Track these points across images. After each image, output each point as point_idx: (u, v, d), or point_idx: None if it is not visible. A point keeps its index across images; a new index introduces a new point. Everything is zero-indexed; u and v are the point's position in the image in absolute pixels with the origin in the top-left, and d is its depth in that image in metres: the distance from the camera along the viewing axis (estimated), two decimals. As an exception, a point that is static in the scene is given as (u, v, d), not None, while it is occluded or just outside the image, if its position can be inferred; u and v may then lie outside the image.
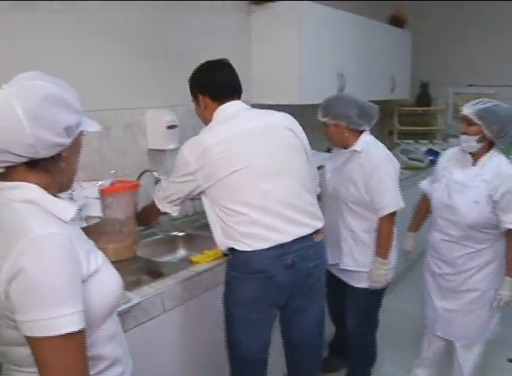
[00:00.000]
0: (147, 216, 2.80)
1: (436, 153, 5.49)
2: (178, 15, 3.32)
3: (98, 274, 1.35)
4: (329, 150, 4.71)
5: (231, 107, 2.43)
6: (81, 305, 1.23)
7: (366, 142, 3.00)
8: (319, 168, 3.75)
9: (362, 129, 3.01)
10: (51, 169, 1.34)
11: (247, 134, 2.33)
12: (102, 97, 2.86)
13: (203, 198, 2.38)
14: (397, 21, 5.60)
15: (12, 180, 1.31)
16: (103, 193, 2.53)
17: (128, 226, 2.68)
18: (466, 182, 2.86)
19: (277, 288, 2.32)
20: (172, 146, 3.13)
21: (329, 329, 3.54)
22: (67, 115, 1.31)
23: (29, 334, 1.18)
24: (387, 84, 5.29)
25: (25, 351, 1.23)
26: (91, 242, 1.46)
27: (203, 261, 2.60)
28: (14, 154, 1.26)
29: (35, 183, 1.31)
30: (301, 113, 4.16)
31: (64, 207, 1.35)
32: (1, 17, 2.37)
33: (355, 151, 2.98)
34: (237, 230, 2.28)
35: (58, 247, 1.22)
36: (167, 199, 2.48)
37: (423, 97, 6.36)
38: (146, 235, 3.05)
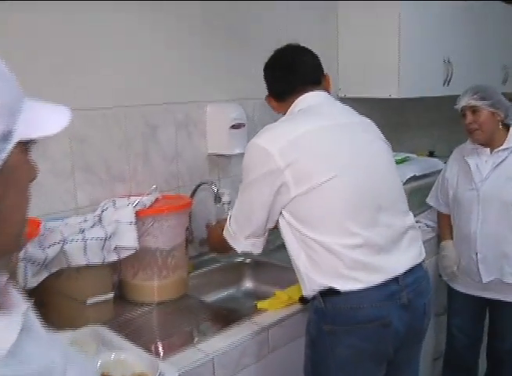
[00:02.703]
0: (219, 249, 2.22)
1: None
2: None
3: None
4: (431, 154, 3.99)
5: (311, 99, 1.87)
6: None
7: None
8: (423, 176, 3.11)
9: (509, 124, 2.69)
10: None
11: (349, 128, 1.84)
12: (148, 88, 2.27)
13: (282, 220, 1.75)
14: (511, -1, 4.73)
15: None
16: (141, 216, 1.93)
17: (175, 258, 2.05)
18: None
19: (393, 337, 1.73)
20: (238, 151, 2.48)
21: None
22: None
23: None
24: (499, 74, 4.43)
25: None
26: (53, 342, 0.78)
27: (273, 308, 1.94)
28: None
29: None
30: (397, 108, 3.52)
31: None
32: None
33: None
34: (342, 259, 1.65)
35: None
36: (244, 233, 1.82)
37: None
38: (201, 262, 2.45)
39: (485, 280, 2.64)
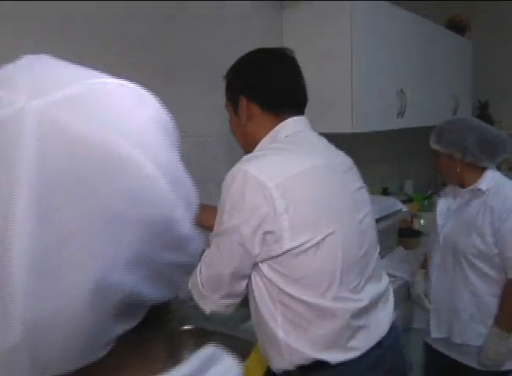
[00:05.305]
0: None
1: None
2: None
3: None
4: (385, 191, 3.72)
5: (298, 124, 1.55)
6: None
7: (494, 179, 2.31)
8: (380, 218, 2.80)
9: (482, 165, 2.30)
10: None
11: (336, 171, 1.52)
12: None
13: (254, 273, 1.40)
14: (456, 27, 4.55)
15: None
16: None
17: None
18: None
19: None
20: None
21: None
22: None
23: None
24: (450, 104, 4.22)
25: None
26: None
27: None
28: None
29: None
30: (351, 144, 3.24)
31: None
32: None
33: (479, 190, 2.28)
34: (340, 324, 1.39)
35: None
36: (221, 291, 1.43)
37: (484, 120, 5.28)
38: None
39: (434, 335, 2.40)
